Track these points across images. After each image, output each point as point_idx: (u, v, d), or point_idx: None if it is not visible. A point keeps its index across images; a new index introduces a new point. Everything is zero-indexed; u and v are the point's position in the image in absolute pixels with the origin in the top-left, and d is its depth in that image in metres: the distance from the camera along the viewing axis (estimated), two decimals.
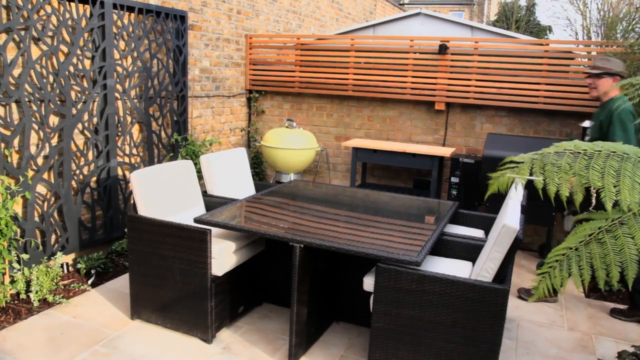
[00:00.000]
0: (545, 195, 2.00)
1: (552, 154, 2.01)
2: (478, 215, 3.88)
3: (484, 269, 2.66)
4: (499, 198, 4.47)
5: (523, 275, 4.62)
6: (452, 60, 5.49)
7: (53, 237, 3.99)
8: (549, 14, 48.20)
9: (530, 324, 3.69)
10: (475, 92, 5.43)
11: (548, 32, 24.71)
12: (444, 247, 3.28)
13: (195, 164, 4.70)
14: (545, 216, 4.62)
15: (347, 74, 5.97)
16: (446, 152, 5.28)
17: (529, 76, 5.22)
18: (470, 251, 3.22)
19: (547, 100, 5.15)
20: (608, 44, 4.82)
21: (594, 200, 2.09)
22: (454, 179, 5.25)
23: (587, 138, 3.95)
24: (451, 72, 5.50)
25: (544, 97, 5.16)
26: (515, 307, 3.93)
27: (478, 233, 3.66)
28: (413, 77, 5.67)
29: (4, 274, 3.56)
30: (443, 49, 5.44)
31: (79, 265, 4.07)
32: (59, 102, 3.93)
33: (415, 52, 5.65)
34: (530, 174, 2.06)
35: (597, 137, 3.67)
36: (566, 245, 2.05)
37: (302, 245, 2.88)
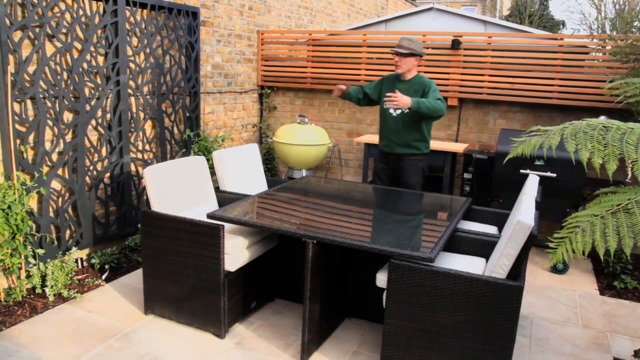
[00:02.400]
0: (577, 163, 2.04)
1: (583, 125, 1.99)
2: (491, 212, 3.85)
3: (497, 266, 2.64)
4: (513, 194, 4.43)
5: (537, 272, 4.58)
6: (465, 56, 5.45)
7: (67, 232, 4.03)
8: (563, 8, 47.66)
9: (544, 321, 3.66)
10: (489, 88, 5.38)
11: (562, 26, 24.45)
12: (457, 243, 3.26)
13: (208, 160, 4.72)
14: (560, 212, 4.57)
15: (359, 69, 5.95)
16: (459, 148, 5.25)
17: (542, 71, 5.17)
18: (483, 247, 3.20)
19: (561, 96, 5.10)
20: (624, 37, 4.75)
21: (629, 172, 2.11)
22: (466, 175, 5.21)
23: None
24: (464, 68, 5.46)
25: (558, 92, 5.11)
26: (528, 304, 3.91)
27: (491, 229, 3.64)
28: (425, 72, 5.63)
29: (20, 269, 3.60)
30: (456, 44, 5.40)
31: (93, 261, 4.11)
32: (72, 99, 3.96)
33: (427, 48, 5.61)
34: (561, 141, 2.06)
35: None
36: (589, 212, 2.04)
37: (315, 241, 2.88)
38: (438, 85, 5.59)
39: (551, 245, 2.21)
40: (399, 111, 4.16)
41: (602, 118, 4.63)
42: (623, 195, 2.02)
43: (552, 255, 2.05)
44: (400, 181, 4.31)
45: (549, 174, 4.48)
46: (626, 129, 1.96)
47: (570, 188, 4.46)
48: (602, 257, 1.93)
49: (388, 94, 3.96)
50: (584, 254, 1.98)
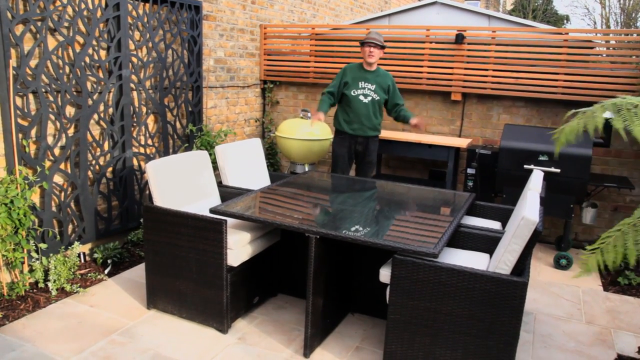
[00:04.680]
0: (629, 137, 1.96)
1: (625, 102, 1.93)
2: (495, 207, 3.83)
3: (502, 261, 2.63)
4: (516, 189, 4.41)
5: (540, 268, 4.57)
6: (469, 50, 5.41)
7: (70, 227, 4.03)
8: (567, 3, 47.38)
9: (547, 317, 3.65)
10: (492, 82, 5.35)
11: (566, 21, 24.32)
12: (461, 238, 3.24)
13: (210, 155, 4.71)
14: (564, 208, 4.55)
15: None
16: (462, 143, 5.23)
17: (547, 66, 5.13)
18: (487, 243, 3.18)
19: (565, 91, 5.06)
20: (628, 32, 4.71)
21: None
22: (470, 171, 5.19)
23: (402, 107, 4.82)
24: (468, 62, 5.43)
25: (563, 87, 5.07)
26: (532, 300, 3.89)
27: (495, 225, 3.62)
28: (429, 67, 5.60)
29: (22, 263, 3.60)
30: (460, 39, 5.37)
31: (95, 255, 4.11)
32: (75, 93, 3.94)
33: (431, 42, 5.58)
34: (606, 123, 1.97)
35: (384, 96, 4.69)
36: (621, 224, 1.98)
37: (318, 237, 2.87)
38: (441, 79, 5.60)
39: (583, 257, 2.14)
40: (369, 98, 4.65)
41: (608, 114, 4.61)
42: None
43: (585, 267, 1.98)
44: (365, 160, 4.83)
45: (553, 169, 4.46)
46: None
47: (574, 184, 4.44)
48: (632, 265, 1.87)
49: (418, 122, 4.62)
50: (614, 263, 1.92)
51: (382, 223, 3.13)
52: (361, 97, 4.63)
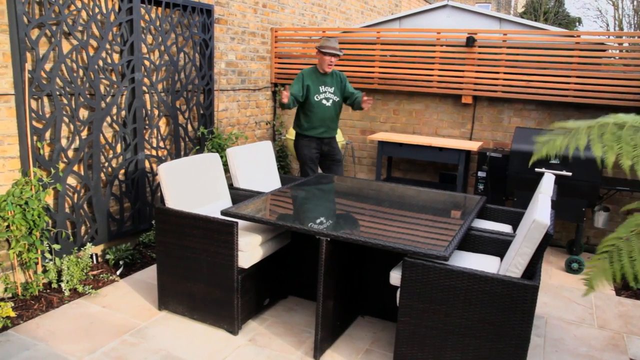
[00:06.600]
0: (590, 172, 1.91)
1: (610, 124, 1.90)
2: (506, 210, 3.82)
3: (512, 265, 2.62)
4: (527, 193, 4.39)
5: (551, 271, 4.54)
6: (480, 53, 5.40)
7: (83, 228, 4.07)
8: (579, 5, 47.07)
9: (558, 321, 3.63)
10: (503, 85, 5.34)
11: (577, 23, 24.15)
12: (472, 242, 3.24)
13: (221, 157, 4.73)
14: (575, 212, 4.53)
15: (373, 67, 5.93)
16: (473, 146, 5.21)
17: (559, 69, 5.11)
18: (498, 246, 3.17)
19: (577, 94, 5.03)
20: None
21: None
22: (480, 174, 5.18)
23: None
24: (479, 65, 5.42)
25: (574, 90, 5.05)
26: (543, 303, 3.87)
27: (506, 228, 3.61)
28: (440, 70, 5.60)
29: (36, 264, 3.64)
30: (470, 42, 5.36)
31: (107, 256, 4.15)
32: (88, 96, 3.99)
33: (442, 45, 5.57)
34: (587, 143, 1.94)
35: (342, 96, 4.89)
36: (616, 236, 1.93)
37: (329, 239, 2.88)
38: (452, 82, 5.59)
39: (585, 274, 2.09)
40: (331, 101, 4.83)
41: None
42: None
43: (589, 286, 1.93)
44: (335, 159, 5.00)
45: (564, 172, 4.43)
46: None
47: (586, 187, 4.41)
48: (632, 284, 1.80)
49: (367, 97, 4.73)
50: (615, 280, 1.87)
51: (392, 225, 3.14)
52: (324, 102, 4.79)
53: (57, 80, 3.74)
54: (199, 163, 3.72)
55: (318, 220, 3.21)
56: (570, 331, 3.50)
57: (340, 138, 5.90)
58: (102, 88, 4.10)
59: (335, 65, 4.86)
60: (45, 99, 3.72)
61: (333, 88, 4.83)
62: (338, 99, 4.87)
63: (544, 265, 4.62)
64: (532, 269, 2.61)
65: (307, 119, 4.81)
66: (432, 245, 2.74)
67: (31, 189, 3.50)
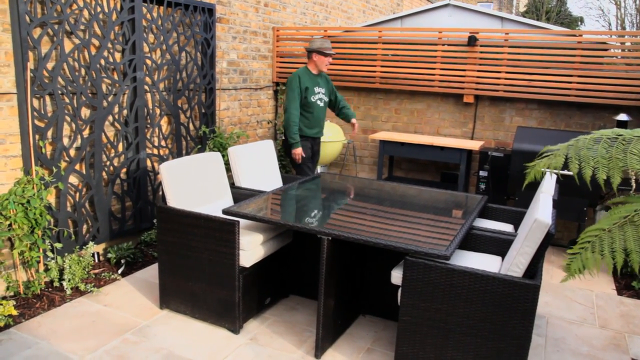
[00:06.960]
0: (581, 181, 1.96)
1: (588, 140, 1.94)
2: (507, 210, 3.82)
3: (514, 264, 2.62)
4: (529, 192, 4.39)
5: (553, 271, 4.54)
6: (482, 52, 5.40)
7: (85, 227, 4.08)
8: (581, 4, 47.04)
9: (560, 321, 3.63)
10: (505, 85, 5.34)
11: (580, 23, 24.12)
12: (473, 241, 3.24)
13: (223, 156, 4.74)
14: (577, 211, 4.52)
15: (375, 66, 5.93)
16: (475, 145, 5.21)
17: (560, 68, 5.10)
18: (499, 246, 3.17)
19: (579, 93, 5.03)
20: None
21: (634, 184, 2.06)
22: (482, 173, 5.18)
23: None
24: (480, 64, 5.42)
25: (576, 89, 5.04)
26: (544, 303, 3.87)
27: (507, 227, 3.61)
28: (441, 69, 5.60)
29: (38, 262, 3.65)
30: (472, 41, 5.36)
31: (109, 255, 4.15)
32: (90, 95, 3.99)
33: (443, 44, 5.57)
34: (566, 161, 2.00)
35: (330, 97, 5.03)
36: (599, 227, 1.96)
37: (330, 238, 2.88)
38: (454, 82, 5.59)
39: (565, 262, 2.16)
40: (323, 101, 4.94)
41: (623, 116, 4.57)
42: (630, 206, 1.94)
43: (567, 272, 1.97)
44: (315, 159, 5.13)
45: (565, 172, 4.42)
46: (632, 137, 1.90)
47: (587, 187, 4.40)
48: (611, 273, 1.86)
49: (357, 124, 5.08)
50: (595, 270, 1.90)
51: (393, 225, 3.14)
52: (319, 102, 4.89)
53: (59, 79, 3.75)
54: (201, 162, 3.72)
55: (319, 220, 3.21)
56: (571, 331, 3.50)
57: (341, 137, 5.90)
58: (104, 87, 4.10)
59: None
60: (47, 98, 3.72)
61: (324, 89, 4.94)
62: (327, 99, 5.00)
63: (546, 265, 4.61)
64: (534, 269, 2.61)
65: (306, 120, 4.85)
66: (434, 245, 2.74)
67: (33, 188, 3.51)
